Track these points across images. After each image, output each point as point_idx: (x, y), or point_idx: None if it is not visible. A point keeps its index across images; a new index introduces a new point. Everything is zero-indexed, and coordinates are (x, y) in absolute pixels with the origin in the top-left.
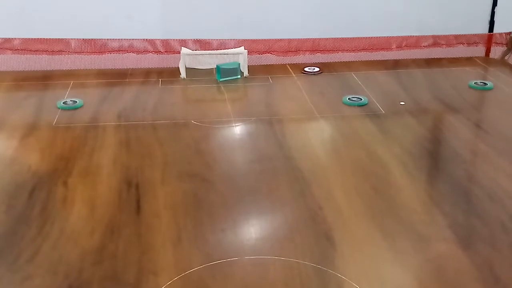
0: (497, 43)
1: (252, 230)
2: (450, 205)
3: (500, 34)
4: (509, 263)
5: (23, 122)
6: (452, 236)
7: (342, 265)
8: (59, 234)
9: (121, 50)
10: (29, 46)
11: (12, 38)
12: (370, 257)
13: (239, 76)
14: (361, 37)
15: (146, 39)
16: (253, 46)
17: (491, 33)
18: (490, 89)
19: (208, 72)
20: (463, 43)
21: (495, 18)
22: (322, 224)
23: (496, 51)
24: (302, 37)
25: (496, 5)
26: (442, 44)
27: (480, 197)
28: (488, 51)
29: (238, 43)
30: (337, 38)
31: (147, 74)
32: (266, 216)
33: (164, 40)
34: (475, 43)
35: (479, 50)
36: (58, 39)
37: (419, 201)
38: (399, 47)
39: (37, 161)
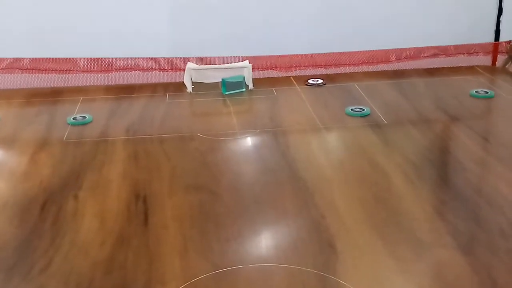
0: (502, 52)
1: (257, 239)
2: (450, 213)
3: (506, 42)
4: (507, 268)
5: (35, 138)
6: (452, 243)
7: (344, 272)
8: (70, 245)
9: (127, 68)
10: (38, 65)
11: (21, 58)
12: (372, 264)
13: (244, 89)
14: (362, 51)
15: (151, 58)
16: (257, 63)
17: (496, 42)
18: (491, 97)
19: (213, 85)
20: (463, 53)
21: (501, 27)
22: (325, 232)
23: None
24: (304, 53)
25: (501, 14)
26: (443, 55)
27: (480, 204)
28: (494, 60)
29: (242, 60)
30: (338, 53)
31: (154, 89)
32: (271, 225)
33: (168, 58)
34: (475, 53)
35: (486, 60)
36: (66, 58)
37: (420, 209)
38: (399, 58)
39: (48, 175)
